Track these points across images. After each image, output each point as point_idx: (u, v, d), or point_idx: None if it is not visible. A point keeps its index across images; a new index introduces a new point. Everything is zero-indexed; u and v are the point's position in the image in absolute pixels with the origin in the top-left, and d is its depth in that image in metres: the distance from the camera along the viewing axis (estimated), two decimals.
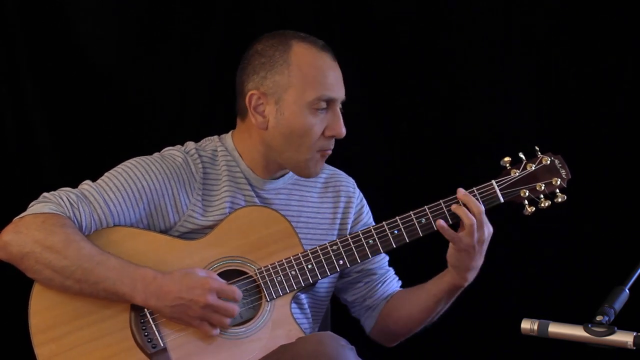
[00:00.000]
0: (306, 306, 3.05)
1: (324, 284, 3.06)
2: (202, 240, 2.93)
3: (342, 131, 2.95)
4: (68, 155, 3.92)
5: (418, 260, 3.41)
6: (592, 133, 3.89)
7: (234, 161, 3.02)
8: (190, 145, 3.04)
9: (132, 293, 2.81)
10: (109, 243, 2.88)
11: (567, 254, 3.93)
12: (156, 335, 2.86)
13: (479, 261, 2.92)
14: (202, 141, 3.07)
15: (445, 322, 3.19)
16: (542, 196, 2.98)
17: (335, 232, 3.09)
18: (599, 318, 2.32)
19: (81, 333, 2.84)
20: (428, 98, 3.98)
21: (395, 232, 2.95)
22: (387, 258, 3.16)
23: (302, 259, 2.93)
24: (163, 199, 2.94)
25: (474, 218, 2.87)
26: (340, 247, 2.95)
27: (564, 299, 3.88)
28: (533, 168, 2.98)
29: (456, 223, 2.91)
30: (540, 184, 2.98)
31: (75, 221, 2.86)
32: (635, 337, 2.29)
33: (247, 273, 2.92)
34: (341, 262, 2.95)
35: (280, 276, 2.92)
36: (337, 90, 2.95)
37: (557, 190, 2.98)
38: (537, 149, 3.00)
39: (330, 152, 2.98)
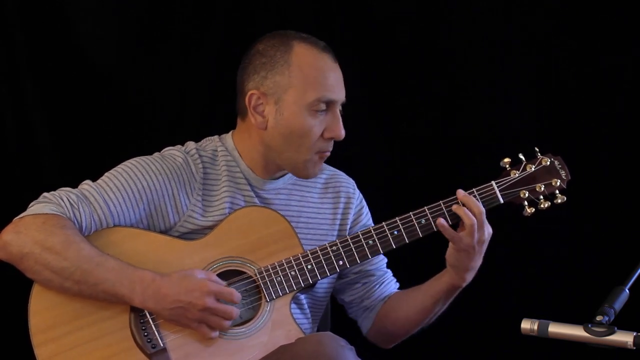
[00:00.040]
0: (306, 306, 3.05)
1: (323, 285, 3.06)
2: (201, 240, 2.93)
3: (341, 133, 2.94)
4: (68, 155, 3.92)
5: (417, 261, 3.41)
6: (592, 133, 3.89)
7: (234, 161, 3.02)
8: (190, 145, 3.04)
9: (131, 295, 2.81)
10: (109, 243, 2.88)
11: (567, 254, 3.93)
12: (156, 336, 2.86)
13: (478, 262, 2.92)
14: (202, 141, 3.07)
15: (445, 322, 3.19)
16: (541, 197, 2.98)
17: (335, 233, 3.09)
18: (599, 318, 2.32)
19: (81, 333, 2.84)
20: (428, 98, 3.98)
21: (395, 232, 2.95)
22: (386, 260, 3.16)
23: (301, 260, 2.93)
24: (163, 199, 2.94)
25: (474, 218, 2.87)
26: (340, 248, 2.95)
27: (564, 299, 3.88)
28: (533, 169, 2.98)
29: (456, 224, 2.91)
30: (539, 184, 2.98)
31: (76, 222, 2.86)
32: (635, 337, 2.29)
33: (246, 273, 2.92)
34: (341, 262, 2.95)
35: (280, 277, 2.92)
36: (337, 92, 2.95)
37: (557, 192, 2.98)
38: (537, 149, 3.00)
39: (328, 153, 2.98)
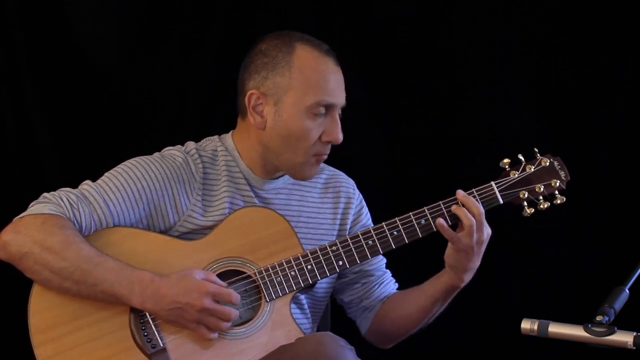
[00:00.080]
0: (306, 306, 3.05)
1: (323, 285, 3.06)
2: (201, 240, 2.93)
3: (339, 137, 2.94)
4: (68, 155, 3.92)
5: (417, 261, 3.41)
6: (592, 133, 3.89)
7: (234, 161, 3.02)
8: (190, 145, 3.04)
9: (130, 296, 2.80)
10: (108, 243, 2.88)
11: (567, 254, 3.93)
12: (156, 336, 2.86)
13: (477, 262, 2.92)
14: (202, 141, 3.07)
15: (445, 322, 3.19)
16: (541, 197, 2.98)
17: (335, 233, 3.09)
18: (599, 318, 2.32)
19: (81, 333, 2.84)
20: (428, 98, 3.98)
21: (395, 233, 2.95)
22: (385, 260, 3.16)
23: (301, 260, 2.93)
24: (163, 199, 2.94)
25: (473, 219, 2.87)
26: (340, 248, 2.95)
27: (564, 299, 3.88)
28: (532, 169, 2.99)
29: (455, 224, 2.91)
30: (539, 185, 2.98)
31: (75, 222, 2.86)
32: (635, 337, 2.28)
33: (246, 273, 2.92)
34: (340, 263, 2.95)
35: (279, 277, 2.92)
36: (337, 96, 2.95)
37: (556, 192, 2.98)
38: (536, 150, 3.00)
39: (325, 157, 2.98)
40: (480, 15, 3.92)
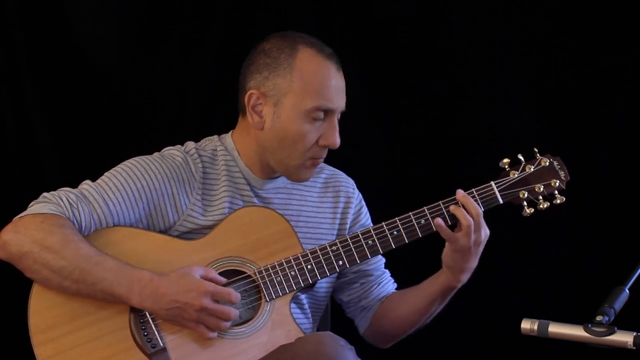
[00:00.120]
0: (306, 306, 3.05)
1: (323, 284, 3.06)
2: (201, 240, 2.93)
3: (336, 142, 2.93)
4: (68, 155, 3.92)
5: (417, 261, 3.41)
6: (592, 133, 3.89)
7: (233, 161, 3.02)
8: (190, 145, 3.04)
9: (129, 295, 2.81)
10: (108, 243, 2.88)
11: (567, 254, 3.93)
12: (156, 335, 2.86)
13: (474, 263, 2.92)
14: (201, 141, 3.07)
15: (445, 322, 3.19)
16: (540, 197, 2.98)
17: (335, 232, 3.09)
18: (599, 318, 2.32)
19: (81, 333, 2.84)
20: (428, 98, 3.98)
21: (395, 232, 2.95)
22: (384, 260, 3.16)
23: (301, 260, 2.93)
24: (162, 199, 2.94)
25: (471, 219, 2.87)
26: (340, 248, 2.95)
27: (564, 299, 3.88)
28: (532, 169, 2.98)
29: (455, 224, 2.91)
30: (539, 185, 2.98)
31: (75, 221, 2.86)
32: (635, 337, 2.28)
33: (246, 273, 2.92)
34: (340, 262, 2.95)
35: (279, 276, 2.92)
36: (337, 101, 2.94)
37: (556, 192, 2.98)
38: (536, 150, 3.00)
39: (321, 160, 2.98)
40: (480, 15, 3.92)
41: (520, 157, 2.98)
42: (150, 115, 3.98)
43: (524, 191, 2.97)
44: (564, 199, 2.98)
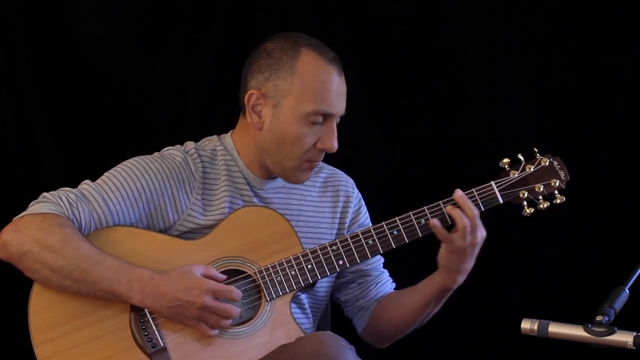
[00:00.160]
0: (307, 306, 3.05)
1: (324, 284, 3.06)
2: (201, 240, 2.93)
3: (334, 146, 2.93)
4: (68, 155, 3.92)
5: (417, 261, 3.41)
6: (592, 133, 3.89)
7: (233, 160, 3.02)
8: (189, 145, 3.04)
9: (129, 293, 2.81)
10: (108, 243, 2.88)
11: (567, 254, 3.93)
12: (156, 335, 2.86)
13: (470, 264, 2.91)
14: (201, 141, 3.07)
15: (445, 321, 3.19)
16: (540, 197, 2.98)
17: (335, 232, 3.10)
18: (599, 318, 2.32)
19: (81, 333, 2.84)
20: (428, 98, 3.98)
21: (395, 232, 2.95)
22: (383, 260, 3.16)
23: (301, 259, 2.93)
24: (162, 199, 2.94)
25: (467, 220, 2.87)
26: (340, 248, 2.95)
27: (564, 299, 3.88)
28: (532, 169, 2.98)
29: (453, 224, 2.91)
30: (539, 185, 2.98)
31: (75, 221, 2.86)
32: (635, 337, 2.28)
33: (246, 273, 2.92)
34: (341, 262, 2.95)
35: (280, 276, 2.92)
36: (337, 106, 2.94)
37: (556, 192, 2.98)
38: (536, 150, 3.00)
39: (318, 163, 2.98)
40: (480, 15, 3.92)
41: (520, 157, 2.98)
42: (150, 115, 3.98)
43: (524, 191, 2.97)
44: (564, 198, 2.98)
